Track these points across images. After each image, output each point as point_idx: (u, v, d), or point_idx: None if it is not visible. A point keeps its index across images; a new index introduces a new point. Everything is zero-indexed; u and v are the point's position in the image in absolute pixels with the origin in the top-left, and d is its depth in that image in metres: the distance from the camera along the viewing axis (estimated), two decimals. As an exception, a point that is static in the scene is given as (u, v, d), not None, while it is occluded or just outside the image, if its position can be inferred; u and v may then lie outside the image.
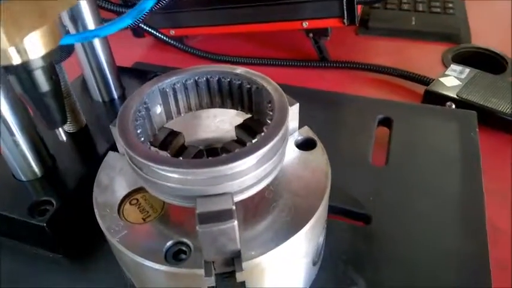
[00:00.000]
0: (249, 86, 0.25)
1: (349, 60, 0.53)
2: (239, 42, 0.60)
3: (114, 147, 0.26)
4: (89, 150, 0.33)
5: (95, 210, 0.23)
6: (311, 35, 0.51)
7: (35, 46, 0.17)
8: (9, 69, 0.17)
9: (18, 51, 0.17)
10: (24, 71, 0.18)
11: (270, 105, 0.23)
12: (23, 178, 0.30)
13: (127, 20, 0.19)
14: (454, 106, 0.43)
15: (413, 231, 0.30)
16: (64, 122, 0.22)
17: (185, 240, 0.21)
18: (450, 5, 0.63)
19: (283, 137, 0.21)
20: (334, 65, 0.54)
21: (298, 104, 0.25)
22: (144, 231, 0.22)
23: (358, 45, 0.59)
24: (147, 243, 0.21)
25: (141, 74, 0.41)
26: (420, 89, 0.49)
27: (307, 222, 0.22)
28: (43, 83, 0.19)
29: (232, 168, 0.19)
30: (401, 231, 0.30)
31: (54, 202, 0.28)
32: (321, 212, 0.23)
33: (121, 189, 0.24)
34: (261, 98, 0.24)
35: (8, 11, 0.15)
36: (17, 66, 0.17)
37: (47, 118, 0.21)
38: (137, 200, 0.24)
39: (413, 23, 0.60)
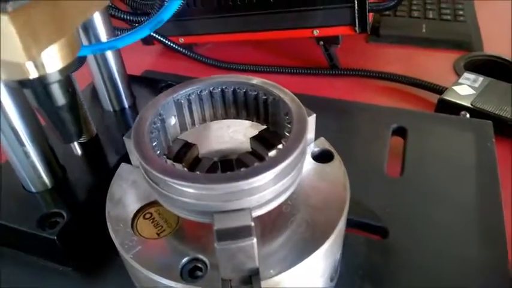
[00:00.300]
0: (265, 97, 0.24)
1: (360, 68, 0.53)
2: (248, 50, 0.60)
3: (125, 158, 0.26)
4: (100, 161, 0.32)
5: (108, 225, 0.23)
6: (321, 42, 0.51)
7: (53, 60, 0.16)
8: (25, 83, 0.17)
9: (36, 65, 0.16)
10: (40, 84, 0.17)
11: (287, 117, 0.22)
12: (33, 189, 0.29)
13: (145, 31, 0.19)
14: (468, 115, 0.42)
15: (431, 244, 0.29)
16: (80, 135, 0.22)
17: (201, 256, 0.21)
18: (461, 12, 0.63)
19: (302, 150, 0.21)
20: (345, 72, 0.53)
21: (314, 115, 0.24)
22: (159, 247, 0.21)
23: (369, 52, 0.59)
24: (162, 260, 0.21)
25: (152, 82, 0.40)
26: (431, 97, 0.48)
27: (327, 238, 0.21)
28: (59, 97, 0.19)
29: (251, 183, 0.18)
30: (419, 244, 0.29)
31: (64, 214, 0.27)
32: (341, 227, 0.22)
33: (134, 202, 0.24)
34: (278, 109, 0.23)
35: (25, 24, 0.15)
36: (33, 80, 0.17)
37: (62, 132, 0.20)
38: (151, 214, 0.23)
39: (424, 30, 0.60)
